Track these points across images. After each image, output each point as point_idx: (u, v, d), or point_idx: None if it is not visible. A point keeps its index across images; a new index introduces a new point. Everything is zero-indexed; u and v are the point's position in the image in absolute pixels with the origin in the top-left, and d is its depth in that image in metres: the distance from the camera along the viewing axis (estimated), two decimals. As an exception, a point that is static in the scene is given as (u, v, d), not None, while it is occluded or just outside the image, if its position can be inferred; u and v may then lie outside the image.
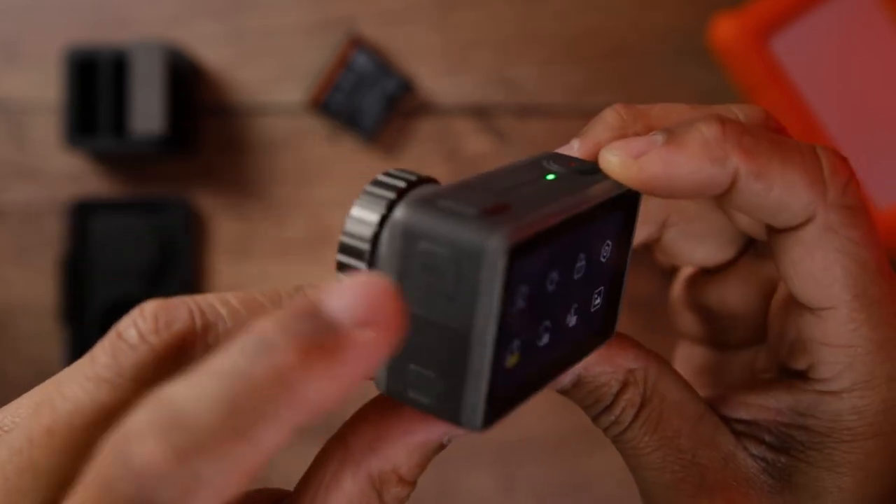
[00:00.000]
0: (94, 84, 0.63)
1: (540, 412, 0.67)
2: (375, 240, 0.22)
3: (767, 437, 0.25)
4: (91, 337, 0.64)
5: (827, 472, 0.24)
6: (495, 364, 0.21)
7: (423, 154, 0.67)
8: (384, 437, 0.23)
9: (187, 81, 0.65)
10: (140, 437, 0.16)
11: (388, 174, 0.23)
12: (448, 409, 0.22)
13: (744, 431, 0.26)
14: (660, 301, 0.66)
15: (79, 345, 0.64)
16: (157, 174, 0.67)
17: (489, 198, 0.21)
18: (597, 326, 0.26)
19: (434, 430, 0.23)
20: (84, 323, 0.64)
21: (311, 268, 0.66)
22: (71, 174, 0.67)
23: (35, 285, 0.67)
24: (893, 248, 0.63)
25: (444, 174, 0.67)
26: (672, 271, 0.33)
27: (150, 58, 0.61)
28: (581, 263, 0.24)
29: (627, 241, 0.26)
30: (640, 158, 0.24)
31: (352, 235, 0.22)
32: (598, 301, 0.25)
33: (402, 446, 0.23)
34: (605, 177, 0.24)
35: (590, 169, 0.24)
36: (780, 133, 0.26)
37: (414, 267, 0.21)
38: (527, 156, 0.26)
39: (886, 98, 0.64)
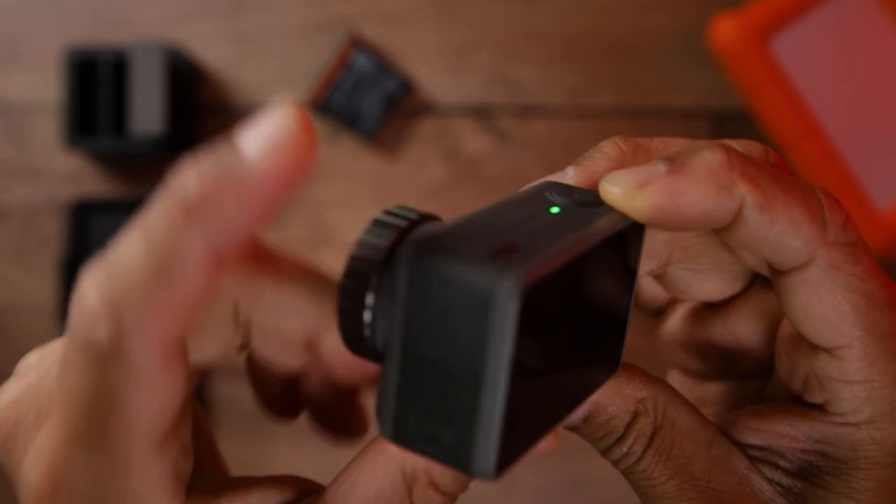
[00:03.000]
0: (94, 84, 0.63)
1: (540, 412, 0.67)
2: (382, 267, 0.22)
3: (783, 463, 0.25)
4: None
5: (845, 498, 0.24)
6: (507, 410, 0.20)
7: (423, 154, 0.67)
8: None
9: (187, 81, 0.65)
10: (84, 289, 0.20)
11: (395, 209, 0.23)
12: (458, 459, 0.21)
13: (757, 457, 0.25)
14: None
15: (79, 345, 0.64)
16: (157, 174, 0.67)
17: (496, 236, 0.21)
18: (603, 359, 0.25)
19: None
20: (84, 323, 0.64)
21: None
22: (71, 174, 0.67)
23: (35, 285, 0.67)
24: (893, 248, 0.63)
25: (444, 174, 0.67)
26: (656, 313, 0.32)
27: (150, 58, 0.61)
28: (586, 299, 0.23)
29: (632, 272, 0.25)
30: (643, 188, 0.23)
31: (360, 260, 0.22)
32: (603, 334, 0.24)
33: None
34: (609, 208, 0.23)
35: (592, 200, 0.24)
36: (781, 168, 0.25)
37: (421, 309, 0.20)
38: (527, 185, 0.25)
39: (886, 98, 0.64)
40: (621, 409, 0.25)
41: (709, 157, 0.23)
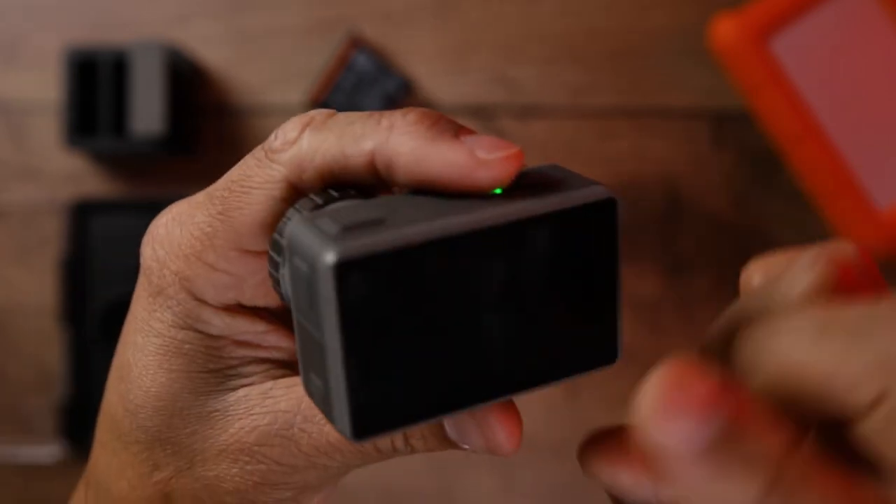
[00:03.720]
0: (94, 84, 0.63)
1: (540, 412, 0.67)
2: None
3: None
4: (91, 337, 0.64)
5: None
6: (356, 376, 0.21)
7: (423, 154, 0.67)
8: None
9: (187, 81, 0.65)
10: (298, 117, 0.26)
11: (333, 187, 0.25)
12: (329, 414, 0.22)
13: None
14: (663, 301, 0.66)
15: (79, 345, 0.64)
16: (157, 174, 0.67)
17: (375, 212, 0.22)
18: (582, 346, 0.24)
19: None
20: (84, 323, 0.64)
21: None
22: (71, 174, 0.67)
23: (35, 285, 0.67)
24: (894, 247, 0.63)
25: (444, 174, 0.67)
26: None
27: (150, 58, 0.61)
28: (498, 285, 0.22)
29: (607, 256, 0.24)
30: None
31: (278, 233, 0.24)
32: (571, 320, 0.24)
33: None
34: (570, 187, 0.23)
35: (555, 178, 0.23)
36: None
37: (293, 278, 0.22)
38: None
39: (886, 98, 0.64)
40: None
41: (739, 479, 0.18)
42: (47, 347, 0.66)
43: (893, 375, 0.19)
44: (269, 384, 0.27)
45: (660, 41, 0.67)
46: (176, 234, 0.27)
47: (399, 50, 0.67)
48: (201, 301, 0.27)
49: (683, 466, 0.18)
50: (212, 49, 0.67)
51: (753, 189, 0.67)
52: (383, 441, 0.26)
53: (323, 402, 0.22)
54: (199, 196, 0.27)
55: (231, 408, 0.27)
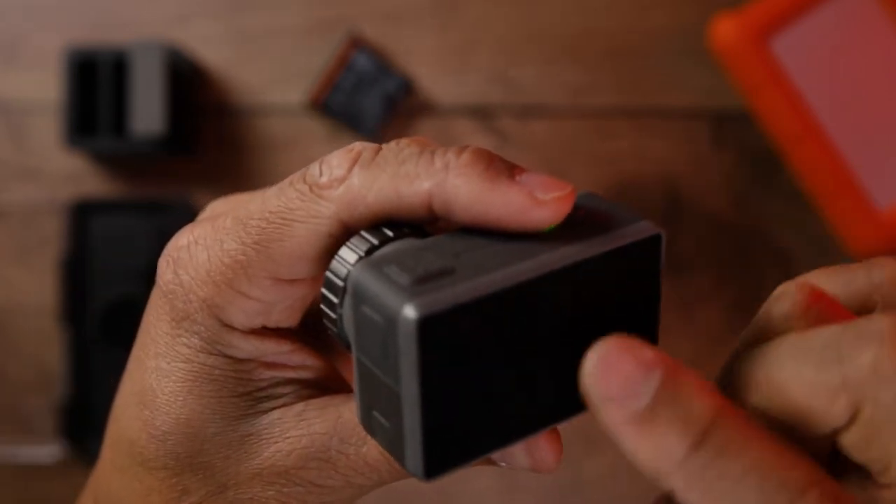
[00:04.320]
0: (94, 84, 0.63)
1: (540, 412, 0.67)
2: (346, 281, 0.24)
3: None
4: (91, 337, 0.64)
5: None
6: (432, 422, 0.22)
7: (423, 154, 0.67)
8: None
9: (187, 81, 0.65)
10: (339, 151, 0.26)
11: (386, 225, 0.25)
12: (399, 456, 0.23)
13: None
14: (663, 301, 0.66)
15: (79, 345, 0.64)
16: (157, 174, 0.67)
17: (440, 261, 0.22)
18: None
19: None
20: (84, 323, 0.64)
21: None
22: (71, 174, 0.67)
23: (35, 285, 0.67)
24: (894, 247, 0.63)
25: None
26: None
27: (150, 58, 0.61)
28: (557, 322, 0.23)
29: (652, 285, 0.25)
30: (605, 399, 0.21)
31: (332, 273, 0.24)
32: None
33: None
34: (620, 223, 0.23)
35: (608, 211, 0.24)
36: None
37: (361, 325, 0.22)
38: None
39: (886, 98, 0.64)
40: None
41: (662, 434, 0.20)
42: (47, 347, 0.66)
43: (861, 393, 0.20)
44: (301, 406, 0.27)
45: (660, 41, 0.67)
46: (202, 259, 0.26)
47: (399, 50, 0.67)
48: (230, 327, 0.26)
49: (620, 420, 0.20)
50: (212, 49, 0.67)
51: (753, 189, 0.67)
52: None
53: (391, 443, 0.23)
54: (226, 222, 0.26)
55: (265, 431, 0.27)
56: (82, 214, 0.65)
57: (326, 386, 0.29)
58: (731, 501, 0.20)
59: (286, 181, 0.26)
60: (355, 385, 0.24)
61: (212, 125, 0.67)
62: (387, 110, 0.66)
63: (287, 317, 0.27)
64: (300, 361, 0.28)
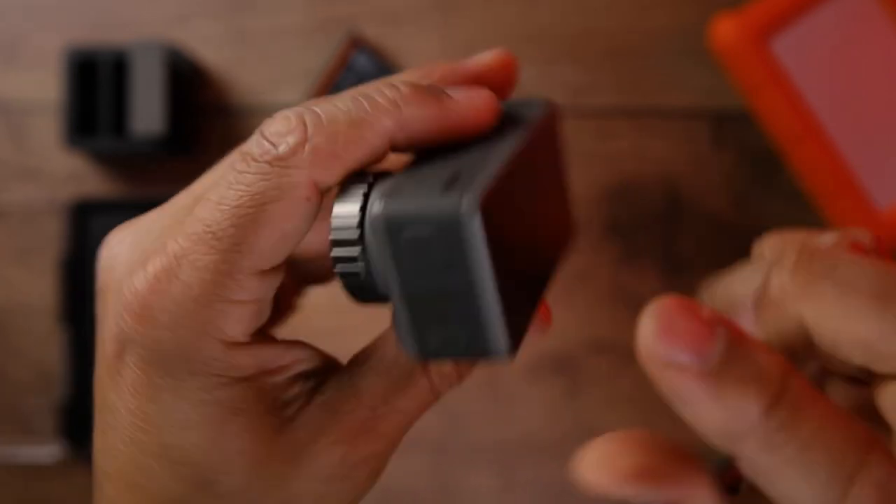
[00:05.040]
0: (94, 84, 0.63)
1: (540, 412, 0.67)
2: (362, 225, 0.25)
3: None
4: (91, 337, 0.64)
5: None
6: (505, 301, 0.24)
7: (423, 154, 0.67)
8: None
9: (187, 81, 0.65)
10: (277, 116, 0.25)
11: (351, 177, 0.26)
12: (479, 350, 0.24)
13: None
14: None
15: (79, 345, 0.64)
16: (157, 174, 0.67)
17: (441, 172, 0.24)
18: (561, 229, 0.29)
19: None
20: (84, 323, 0.64)
21: (311, 268, 0.66)
22: (71, 174, 0.67)
23: (35, 285, 0.67)
24: (894, 247, 0.63)
25: (444, 174, 0.67)
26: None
27: (150, 58, 0.61)
28: (536, 186, 0.27)
29: (555, 147, 0.29)
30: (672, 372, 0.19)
31: (340, 229, 0.25)
32: (556, 209, 0.29)
33: None
34: (530, 105, 0.27)
35: (520, 104, 0.28)
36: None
37: (406, 252, 0.23)
38: None
39: (886, 98, 0.64)
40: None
41: (735, 396, 0.19)
42: (47, 347, 0.66)
43: None
44: (317, 398, 0.27)
45: (660, 41, 0.67)
46: (179, 292, 0.24)
47: (399, 50, 0.67)
48: (233, 344, 0.25)
49: (688, 385, 0.19)
50: (212, 49, 0.67)
51: (753, 189, 0.67)
52: (446, 377, 0.28)
53: (466, 345, 0.24)
54: (182, 243, 0.25)
55: (302, 435, 0.26)
56: (82, 214, 0.65)
57: (324, 365, 0.28)
58: (802, 463, 0.19)
59: (226, 169, 0.25)
60: (401, 320, 0.24)
61: (212, 125, 0.67)
62: (387, 110, 0.66)
63: (267, 312, 0.27)
64: (295, 357, 0.27)
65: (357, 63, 0.66)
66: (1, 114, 0.67)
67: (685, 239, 0.67)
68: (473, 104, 0.26)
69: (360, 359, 0.28)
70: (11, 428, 0.66)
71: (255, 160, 0.24)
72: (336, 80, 0.66)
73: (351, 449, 0.27)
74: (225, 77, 0.67)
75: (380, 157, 0.26)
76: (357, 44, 0.66)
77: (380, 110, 0.25)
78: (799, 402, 0.19)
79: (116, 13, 0.67)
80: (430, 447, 0.67)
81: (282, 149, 0.24)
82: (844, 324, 0.20)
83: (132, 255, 0.27)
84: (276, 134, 0.25)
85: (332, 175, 0.25)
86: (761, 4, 0.63)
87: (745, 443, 0.19)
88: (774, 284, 0.21)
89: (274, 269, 0.25)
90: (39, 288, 0.66)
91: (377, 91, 0.26)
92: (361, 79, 0.66)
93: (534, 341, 0.28)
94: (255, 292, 0.25)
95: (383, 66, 0.66)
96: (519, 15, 0.68)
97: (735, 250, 0.67)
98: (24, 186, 0.67)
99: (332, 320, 0.65)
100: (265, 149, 0.24)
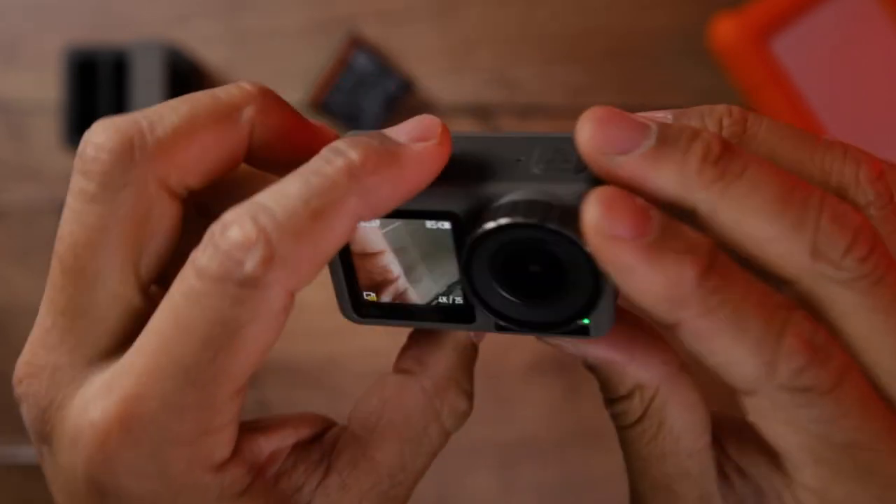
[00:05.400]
0: (94, 84, 0.63)
1: (540, 412, 0.67)
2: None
3: (750, 500, 0.25)
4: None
5: None
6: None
7: (423, 154, 0.67)
8: (427, 359, 0.26)
9: (187, 81, 0.65)
10: (229, 224, 0.21)
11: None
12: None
13: (734, 480, 0.26)
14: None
15: (79, 345, 0.64)
16: (157, 174, 0.67)
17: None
18: None
19: (459, 332, 0.26)
20: (84, 323, 0.64)
21: (311, 268, 0.66)
22: (71, 174, 0.67)
23: (35, 285, 0.67)
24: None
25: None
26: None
27: (150, 58, 0.61)
28: None
29: None
30: (614, 155, 0.23)
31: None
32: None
33: (438, 356, 0.26)
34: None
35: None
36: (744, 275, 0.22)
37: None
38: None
39: (886, 98, 0.64)
40: (620, 381, 0.25)
41: (673, 263, 0.21)
42: (47, 347, 0.66)
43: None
44: (336, 478, 0.25)
45: (660, 41, 0.67)
46: (157, 437, 0.22)
47: (399, 50, 0.67)
48: (222, 465, 0.23)
49: (634, 255, 0.21)
50: (212, 49, 0.67)
51: (753, 189, 0.67)
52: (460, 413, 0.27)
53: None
54: (147, 380, 0.22)
55: None
56: (82, 214, 0.65)
57: (320, 429, 0.27)
58: (737, 322, 0.21)
59: (192, 296, 0.21)
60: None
61: (212, 125, 0.67)
62: (387, 110, 0.66)
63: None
64: (279, 437, 0.25)
65: (357, 63, 0.66)
66: (1, 114, 0.67)
67: (685, 239, 0.67)
68: (430, 146, 0.23)
69: (368, 426, 0.26)
70: (11, 428, 0.66)
71: (219, 281, 0.21)
72: (336, 80, 0.66)
73: None
74: (225, 77, 0.67)
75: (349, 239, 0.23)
76: (357, 44, 0.66)
77: (339, 189, 0.21)
78: (727, 270, 0.21)
79: (116, 13, 0.67)
80: (430, 447, 0.67)
81: (248, 267, 0.21)
82: (744, 220, 0.22)
83: (83, 389, 0.24)
84: (234, 246, 0.21)
85: (307, 277, 0.22)
86: (761, 4, 0.63)
87: (684, 309, 0.21)
88: (681, 163, 0.22)
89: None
90: (39, 288, 0.66)
91: (328, 165, 0.22)
92: (361, 79, 0.66)
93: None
94: (233, 412, 0.23)
95: (383, 66, 0.66)
96: (519, 15, 0.68)
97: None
98: (24, 186, 0.67)
99: (332, 320, 0.65)
100: (227, 269, 0.21)
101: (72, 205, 0.24)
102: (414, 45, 0.67)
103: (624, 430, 0.26)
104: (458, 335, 0.27)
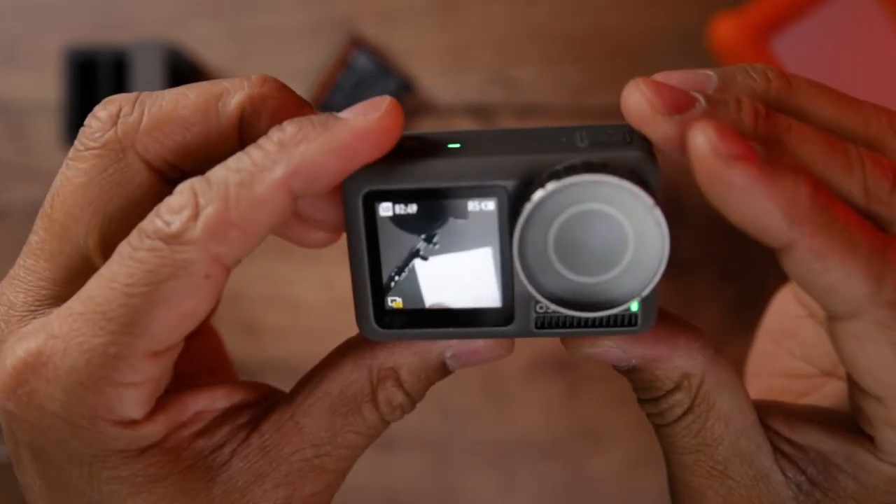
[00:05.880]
0: (94, 84, 0.63)
1: (540, 412, 0.67)
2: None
3: (811, 470, 0.25)
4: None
5: None
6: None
7: (423, 154, 0.67)
8: (388, 344, 0.26)
9: (187, 81, 0.65)
10: (175, 192, 0.23)
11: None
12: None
13: (790, 454, 0.26)
14: (663, 301, 0.66)
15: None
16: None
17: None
18: None
19: (437, 344, 0.26)
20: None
21: (314, 266, 0.66)
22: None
23: (35, 285, 0.67)
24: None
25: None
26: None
27: (150, 58, 0.61)
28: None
29: None
30: (668, 115, 0.23)
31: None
32: None
33: (404, 347, 0.26)
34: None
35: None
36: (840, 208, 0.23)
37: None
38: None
39: (886, 98, 0.64)
40: (666, 375, 0.25)
41: (790, 181, 0.22)
42: (47, 347, 0.66)
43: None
44: (256, 438, 0.25)
45: (660, 41, 0.67)
46: (64, 375, 0.23)
47: (399, 50, 0.67)
48: (132, 423, 0.24)
49: (753, 174, 0.21)
50: (212, 49, 0.67)
51: (753, 189, 0.67)
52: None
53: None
54: (69, 322, 0.23)
55: (236, 483, 0.25)
56: (82, 214, 0.65)
57: (257, 397, 0.27)
58: (847, 237, 0.22)
59: (124, 251, 0.23)
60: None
61: (212, 125, 0.67)
62: (387, 110, 0.66)
63: (166, 382, 0.25)
64: (211, 398, 0.26)
65: (357, 63, 0.66)
66: (1, 114, 0.67)
67: (685, 239, 0.67)
68: (369, 118, 0.23)
69: (303, 392, 0.26)
70: (11, 428, 0.66)
71: (148, 237, 0.23)
72: (336, 80, 0.66)
73: (295, 490, 0.26)
74: (225, 77, 0.67)
75: (286, 214, 0.23)
76: (357, 44, 0.66)
77: (267, 158, 0.23)
78: (827, 191, 0.22)
79: (116, 13, 0.67)
80: (430, 447, 0.67)
81: (174, 226, 0.22)
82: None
83: (24, 328, 0.25)
84: (169, 210, 0.23)
85: (235, 247, 0.23)
86: (761, 4, 0.63)
87: (802, 225, 0.21)
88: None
89: (171, 348, 0.24)
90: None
91: (265, 140, 0.23)
92: (361, 79, 0.66)
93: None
94: (149, 373, 0.23)
95: (383, 66, 0.66)
96: (519, 15, 0.68)
97: (735, 250, 0.67)
98: (24, 186, 0.67)
99: (332, 320, 0.65)
100: (157, 226, 0.22)
101: (66, 161, 0.25)
102: (414, 45, 0.67)
103: (670, 426, 0.26)
104: (432, 350, 0.26)
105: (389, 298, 0.25)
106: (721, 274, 0.67)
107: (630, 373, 0.26)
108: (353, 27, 0.67)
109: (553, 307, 0.24)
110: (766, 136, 0.23)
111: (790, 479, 0.26)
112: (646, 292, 0.23)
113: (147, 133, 0.25)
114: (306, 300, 0.66)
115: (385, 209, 0.24)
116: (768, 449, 0.26)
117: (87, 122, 0.25)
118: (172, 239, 0.22)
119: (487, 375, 0.66)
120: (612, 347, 0.25)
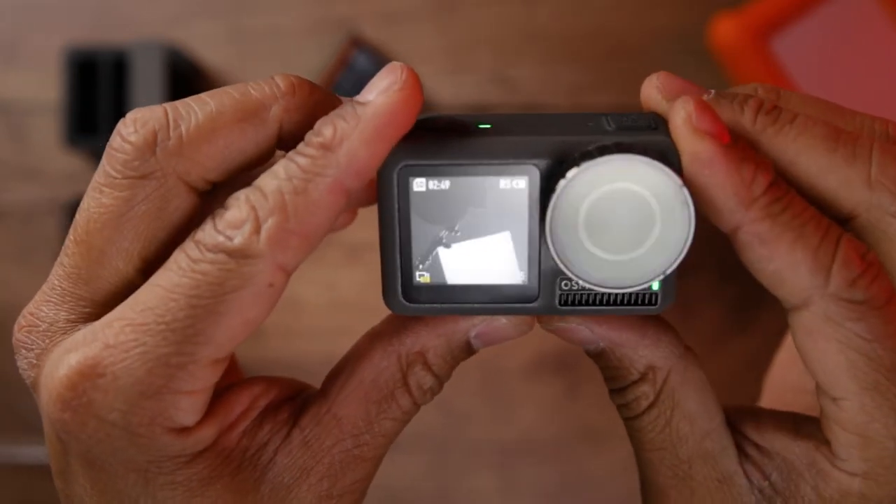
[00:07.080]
0: (94, 84, 0.63)
1: (540, 412, 0.67)
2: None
3: (775, 476, 0.25)
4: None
5: None
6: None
7: (423, 154, 0.67)
8: (413, 326, 0.26)
9: (187, 81, 0.65)
10: (228, 205, 0.23)
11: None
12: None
13: (756, 459, 0.26)
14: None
15: (79, 345, 0.64)
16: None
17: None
18: None
19: (461, 324, 0.26)
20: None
21: (314, 267, 0.66)
22: (71, 174, 0.67)
23: (35, 285, 0.66)
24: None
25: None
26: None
27: (150, 58, 0.61)
28: None
29: None
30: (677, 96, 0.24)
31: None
32: None
33: (429, 330, 0.26)
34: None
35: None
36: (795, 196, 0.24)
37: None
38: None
39: (886, 98, 0.64)
40: (631, 365, 0.26)
41: (751, 168, 0.23)
42: (47, 347, 0.66)
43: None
44: (298, 434, 0.26)
45: (660, 41, 0.67)
46: (124, 385, 0.23)
47: (399, 50, 0.67)
48: (185, 430, 0.24)
49: (723, 150, 0.23)
50: (212, 49, 0.67)
51: (753, 189, 0.67)
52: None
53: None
54: (129, 333, 0.23)
55: (282, 481, 0.25)
56: (82, 214, 0.65)
57: (292, 392, 0.27)
58: (797, 227, 0.23)
59: (182, 262, 0.23)
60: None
61: (212, 125, 0.67)
62: (387, 110, 0.66)
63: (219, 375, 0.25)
64: (252, 394, 0.26)
65: (357, 63, 0.66)
66: (1, 114, 0.67)
67: (685, 239, 0.67)
68: (391, 93, 0.26)
69: (336, 384, 0.27)
70: (11, 428, 0.66)
71: (210, 250, 0.23)
72: (336, 80, 0.66)
73: (337, 481, 0.26)
74: (225, 77, 0.67)
75: (342, 211, 0.24)
76: (357, 44, 0.66)
77: (317, 165, 0.23)
78: (788, 188, 0.23)
79: (116, 13, 0.67)
80: (430, 447, 0.67)
81: (237, 241, 0.23)
82: (803, 153, 0.24)
83: (63, 343, 0.25)
84: (229, 225, 0.23)
85: (297, 253, 0.23)
86: (761, 4, 0.63)
87: (751, 209, 0.23)
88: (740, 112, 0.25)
89: (229, 355, 0.24)
90: (39, 288, 0.66)
91: (307, 147, 0.23)
92: (361, 79, 0.66)
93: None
94: (208, 381, 0.24)
95: (383, 66, 0.66)
96: (519, 15, 0.68)
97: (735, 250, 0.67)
98: (24, 186, 0.67)
99: (332, 320, 0.65)
100: (219, 241, 0.23)
101: (95, 183, 0.25)
102: (414, 45, 0.67)
103: (636, 419, 0.26)
104: (457, 331, 0.26)
105: (417, 273, 0.25)
106: (721, 274, 0.67)
107: (598, 357, 0.26)
108: (353, 27, 0.67)
109: (581, 282, 0.24)
110: (767, 125, 0.24)
111: (753, 484, 0.25)
112: (670, 270, 0.24)
113: (188, 157, 0.24)
114: (309, 301, 0.66)
115: (419, 184, 0.25)
116: (733, 452, 0.26)
117: (117, 144, 0.25)
118: (237, 253, 0.23)
119: (487, 375, 0.66)
120: (580, 325, 0.26)
